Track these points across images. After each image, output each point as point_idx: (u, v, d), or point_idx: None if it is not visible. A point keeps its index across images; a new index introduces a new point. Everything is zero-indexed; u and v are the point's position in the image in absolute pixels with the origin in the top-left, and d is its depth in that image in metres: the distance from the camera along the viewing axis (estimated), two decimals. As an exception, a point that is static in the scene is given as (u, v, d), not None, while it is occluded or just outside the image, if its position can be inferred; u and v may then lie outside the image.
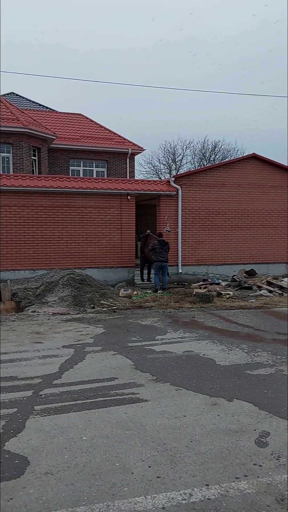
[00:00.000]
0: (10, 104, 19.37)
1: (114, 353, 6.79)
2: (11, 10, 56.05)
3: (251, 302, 11.76)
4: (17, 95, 24.04)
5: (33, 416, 4.44)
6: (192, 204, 15.65)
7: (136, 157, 23.01)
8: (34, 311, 10.82)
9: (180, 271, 15.43)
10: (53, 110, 24.20)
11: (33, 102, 24.26)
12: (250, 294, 12.92)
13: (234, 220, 16.19)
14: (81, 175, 20.74)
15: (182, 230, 15.46)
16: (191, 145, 47.03)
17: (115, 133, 22.17)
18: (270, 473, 3.38)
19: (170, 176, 31.01)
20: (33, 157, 18.78)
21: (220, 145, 40.01)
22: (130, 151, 21.54)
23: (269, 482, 3.26)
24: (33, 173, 18.43)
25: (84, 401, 4.83)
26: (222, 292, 12.76)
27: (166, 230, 15.15)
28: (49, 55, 56.80)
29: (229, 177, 16.04)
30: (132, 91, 63.84)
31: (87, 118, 23.05)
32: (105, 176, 21.05)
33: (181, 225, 15.44)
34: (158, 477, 3.33)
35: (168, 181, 15.59)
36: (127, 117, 52.82)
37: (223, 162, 18.57)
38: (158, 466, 3.48)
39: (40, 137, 18.72)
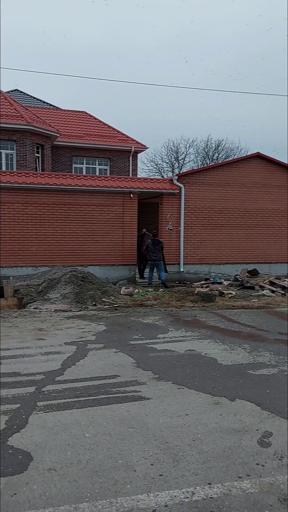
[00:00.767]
0: (14, 101, 19.36)
1: (116, 350, 6.80)
2: (13, 7, 55.97)
3: (254, 302, 11.76)
4: (21, 92, 24.03)
5: (36, 412, 4.45)
6: (195, 203, 15.64)
7: (139, 155, 22.99)
8: (37, 308, 10.84)
9: (182, 269, 15.43)
10: (57, 107, 24.19)
11: (37, 99, 24.25)
12: (252, 294, 12.92)
13: (237, 219, 16.18)
14: (84, 173, 20.75)
15: (184, 228, 15.46)
16: (194, 143, 47.12)
17: (118, 131, 22.16)
18: (272, 473, 3.38)
19: (173, 174, 31.01)
20: (36, 154, 18.77)
21: (224, 144, 40.00)
22: (133, 149, 21.52)
23: (271, 482, 3.26)
24: (36, 170, 18.43)
25: (87, 398, 4.84)
26: (224, 291, 12.76)
27: (168, 228, 15.17)
28: (52, 52, 56.71)
29: (233, 176, 16.03)
30: (136, 88, 63.77)
31: (90, 115, 23.03)
32: (108, 174, 21.03)
33: (184, 224, 15.44)
34: (160, 475, 3.34)
35: (171, 180, 15.59)
36: (131, 115, 52.76)
37: (226, 161, 18.56)
38: (161, 464, 3.49)
39: (44, 135, 18.72)
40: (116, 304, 11.15)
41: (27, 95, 24.20)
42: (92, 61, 57.31)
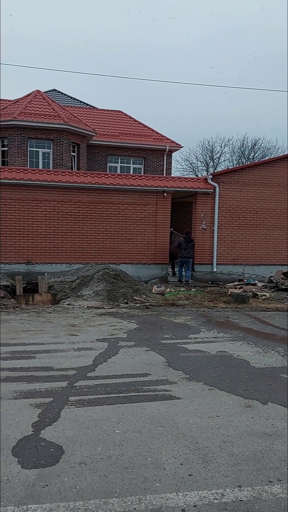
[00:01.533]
0: (52, 101, 19.74)
1: (147, 349, 6.83)
2: (54, 10, 57.00)
3: (288, 304, 11.51)
4: (58, 92, 24.47)
5: (68, 406, 4.53)
6: (230, 202, 15.46)
7: (173, 154, 22.95)
8: (70, 304, 11.02)
9: (215, 270, 15.29)
10: (93, 107, 24.48)
11: (74, 99, 24.62)
12: (287, 296, 12.65)
13: (272, 220, 15.87)
14: (119, 172, 20.91)
15: (218, 228, 15.31)
16: (230, 142, 46.40)
17: (153, 130, 22.19)
18: (304, 479, 3.31)
19: (207, 173, 30.74)
20: (72, 153, 19.08)
21: (260, 143, 39.29)
22: (167, 148, 21.51)
23: (303, 488, 3.19)
24: (72, 169, 18.73)
25: (117, 395, 4.89)
26: (258, 293, 12.55)
27: (202, 228, 15.07)
28: (90, 53, 57.40)
29: (269, 176, 15.73)
30: (174, 87, 63.61)
31: (126, 115, 23.17)
32: (142, 173, 21.12)
33: (218, 224, 15.30)
34: (190, 475, 3.33)
35: (206, 179, 15.47)
36: (165, 113, 52.68)
37: (262, 161, 18.23)
38: (190, 464, 3.48)
39: (80, 134, 18.99)
40: (148, 302, 11.18)
41: (65, 94, 24.61)
42: (128, 61, 57.61)
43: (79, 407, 4.54)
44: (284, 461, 3.56)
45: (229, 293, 12.36)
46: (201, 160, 38.98)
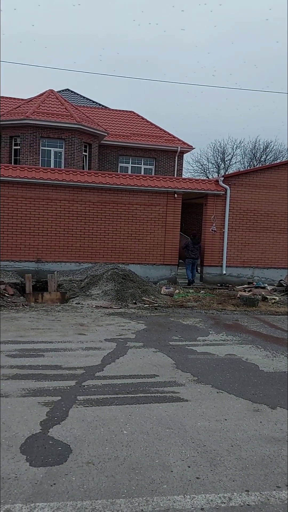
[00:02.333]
0: (65, 100, 19.82)
1: (155, 350, 6.82)
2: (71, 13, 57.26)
3: (297, 308, 11.42)
4: (71, 91, 24.57)
5: (76, 405, 4.54)
6: (240, 205, 15.39)
7: (184, 155, 22.92)
8: (78, 303, 11.05)
9: (224, 272, 15.23)
10: (105, 107, 24.54)
11: (87, 99, 24.71)
12: (296, 300, 12.55)
13: (283, 223, 15.77)
14: (129, 172, 20.94)
15: (228, 230, 15.25)
16: (242, 144, 46.19)
17: (165, 131, 22.18)
18: (313, 485, 3.28)
19: (218, 175, 30.65)
20: (84, 153, 19.14)
21: (272, 145, 39.07)
22: (179, 149, 21.49)
23: (312, 494, 3.17)
24: (83, 169, 18.79)
25: (125, 395, 4.89)
26: (268, 296, 12.49)
27: (212, 230, 15.02)
28: (103, 52, 57.56)
29: (280, 178, 15.63)
30: (188, 88, 63.54)
31: (138, 115, 23.20)
32: (153, 174, 21.12)
33: (228, 226, 15.23)
34: (197, 478, 3.32)
35: (217, 181, 15.42)
36: (178, 114, 52.64)
37: (274, 163, 18.11)
38: (198, 467, 3.47)
39: (92, 134, 19.04)
40: (156, 303, 11.18)
41: (78, 94, 24.71)
42: (142, 62, 57.67)
43: (87, 406, 4.55)
44: (292, 467, 3.54)
45: (238, 295, 12.30)
46: (212, 161, 38.89)
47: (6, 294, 11.04)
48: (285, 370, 6.12)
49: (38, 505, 2.91)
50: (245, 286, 14.29)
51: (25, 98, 20.86)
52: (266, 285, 14.30)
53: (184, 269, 15.77)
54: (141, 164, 21.53)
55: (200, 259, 15.40)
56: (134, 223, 14.67)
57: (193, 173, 38.29)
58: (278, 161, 29.20)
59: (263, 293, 12.85)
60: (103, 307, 10.55)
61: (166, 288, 13.07)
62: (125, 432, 4.01)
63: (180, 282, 14.83)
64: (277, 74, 52.56)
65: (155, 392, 5.04)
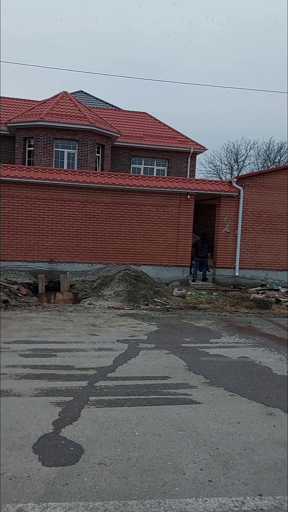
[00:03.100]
0: (79, 102, 19.92)
1: (167, 352, 6.80)
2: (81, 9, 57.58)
3: (311, 311, 11.30)
4: (85, 93, 24.68)
5: (88, 406, 4.55)
6: (254, 206, 15.28)
7: (197, 156, 22.85)
8: (91, 304, 11.08)
9: (237, 274, 15.14)
10: (118, 108, 24.59)
11: (100, 100, 24.79)
12: (309, 303, 12.41)
13: (297, 225, 15.62)
14: (142, 173, 20.94)
15: (242, 232, 15.15)
16: (256, 145, 45.89)
17: (177, 132, 22.15)
18: None
19: (232, 176, 30.49)
20: (97, 154, 19.20)
21: (287, 146, 38.73)
22: (192, 150, 21.43)
23: None
24: (96, 170, 18.86)
25: (137, 397, 4.88)
26: (281, 299, 12.37)
27: (225, 231, 14.94)
28: (117, 53, 57.77)
29: (294, 180, 15.48)
30: (203, 90, 63.39)
31: (151, 116, 23.20)
32: (165, 175, 21.09)
33: (241, 227, 15.13)
34: (210, 481, 3.30)
35: (230, 182, 15.33)
36: (191, 115, 52.55)
37: (288, 165, 17.94)
38: (210, 470, 3.45)
39: (105, 135, 19.10)
40: (168, 305, 11.15)
41: (91, 96, 24.81)
42: (155, 64, 57.74)
43: (99, 407, 4.55)
44: (306, 472, 3.49)
45: (251, 298, 12.21)
46: (225, 163, 38.71)
47: (19, 294, 11.12)
48: (299, 373, 6.05)
49: (51, 505, 2.91)
50: (258, 288, 14.19)
51: (39, 100, 21.02)
52: (280, 287, 14.17)
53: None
54: (153, 165, 21.53)
55: (213, 260, 15.43)
56: (146, 224, 14.66)
57: (206, 174, 38.20)
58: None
59: (276, 295, 12.73)
60: (115, 308, 10.56)
61: (178, 290, 13.03)
62: (137, 433, 4.00)
63: (192, 284, 14.79)
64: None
65: (167, 394, 5.02)
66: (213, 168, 38.84)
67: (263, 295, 12.63)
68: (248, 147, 46.24)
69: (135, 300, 11.35)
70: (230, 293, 13.69)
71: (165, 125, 22.64)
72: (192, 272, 15.63)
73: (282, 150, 36.75)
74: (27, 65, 60.10)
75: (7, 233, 13.84)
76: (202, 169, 40.32)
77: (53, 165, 18.21)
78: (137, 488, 3.16)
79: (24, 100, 22.24)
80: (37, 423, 4.09)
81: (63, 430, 3.98)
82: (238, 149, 38.48)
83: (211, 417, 4.44)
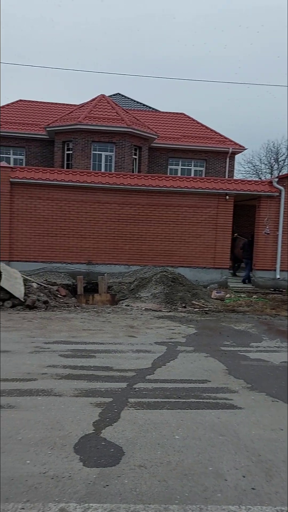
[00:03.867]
0: (116, 104, 20.10)
1: (206, 355, 6.71)
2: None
3: None
4: (122, 95, 24.88)
5: (127, 408, 4.55)
6: (295, 207, 14.88)
7: (236, 156, 22.53)
8: (128, 305, 11.12)
9: (278, 276, 14.77)
10: (156, 109, 24.64)
11: (137, 102, 24.92)
12: None
13: None
14: (179, 174, 20.86)
15: (283, 233, 14.78)
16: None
17: (216, 132, 21.92)
18: None
19: (272, 176, 29.83)
20: (134, 156, 19.30)
21: None
22: (230, 150, 21.15)
23: None
24: (133, 172, 18.95)
25: (177, 400, 4.84)
26: None
27: (265, 233, 14.63)
28: (151, 57, 57.96)
29: None
30: (241, 89, 62.61)
31: (188, 117, 23.09)
32: (203, 175, 20.91)
33: (282, 228, 14.77)
34: (253, 488, 3.21)
35: (271, 182, 15.00)
36: (234, 115, 51.92)
37: None
38: (253, 477, 3.35)
39: (142, 137, 19.17)
40: (207, 307, 11.02)
41: (128, 98, 24.98)
42: (193, 64, 57.52)
43: (138, 409, 4.54)
44: None
45: (292, 301, 11.88)
46: (265, 162, 37.94)
47: (58, 295, 11.32)
48: None
49: (92, 506, 2.92)
50: (299, 291, 13.79)
51: (78, 103, 21.37)
52: None
53: (240, 272, 16.75)
54: (191, 166, 21.40)
55: (250, 262, 15.24)
56: (183, 225, 14.58)
57: (244, 175, 37.59)
58: None
59: None
60: (153, 310, 10.55)
61: (216, 292, 12.87)
62: (177, 437, 3.96)
63: (231, 286, 14.56)
64: None
65: (207, 398, 4.95)
66: (252, 168, 38.21)
67: (305, 298, 12.26)
68: (289, 146, 45.11)
69: (172, 302, 11.30)
70: (270, 296, 13.39)
71: (202, 125, 22.48)
72: (233, 273, 16.25)
73: None
74: (68, 69, 61.29)
75: (47, 235, 14.14)
76: (241, 169, 39.66)
77: (91, 168, 18.45)
78: (178, 492, 3.12)
79: (63, 104, 22.69)
80: (77, 423, 4.13)
81: (103, 431, 3.99)
82: (279, 148, 37.61)
83: (253, 422, 4.33)
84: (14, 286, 10.10)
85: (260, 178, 35.20)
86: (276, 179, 14.94)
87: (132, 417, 4.33)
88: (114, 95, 24.30)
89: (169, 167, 21.30)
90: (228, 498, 3.07)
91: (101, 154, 18.78)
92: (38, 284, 11.34)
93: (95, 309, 10.42)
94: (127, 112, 20.10)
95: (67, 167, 19.02)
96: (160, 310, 10.57)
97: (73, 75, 72.37)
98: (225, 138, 21.71)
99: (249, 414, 4.53)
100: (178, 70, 57.09)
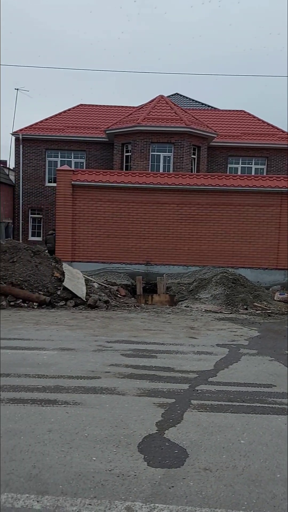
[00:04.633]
0: (175, 104, 20.09)
1: (271, 359, 6.51)
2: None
3: None
4: (181, 95, 24.83)
5: (190, 410, 4.51)
6: None
7: (299, 153, 21.67)
8: (187, 306, 11.06)
9: None
10: (215, 108, 24.34)
11: (196, 101, 24.76)
12: None
13: None
14: (239, 173, 20.45)
15: None
16: None
17: (278, 129, 21.25)
18: None
19: None
20: (192, 156, 19.18)
21: None
22: (293, 147, 20.40)
23: None
24: (192, 172, 18.83)
25: (241, 403, 4.73)
26: None
27: None
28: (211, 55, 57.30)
29: None
30: (297, 83, 60.28)
31: (249, 114, 22.58)
32: (265, 174, 20.34)
33: None
34: None
35: None
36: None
37: None
38: None
39: (201, 136, 19.00)
40: (269, 310, 10.70)
41: (187, 97, 24.88)
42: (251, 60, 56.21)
43: (202, 411, 4.48)
44: None
45: None
46: None
47: (118, 295, 11.51)
48: None
49: (158, 506, 2.92)
50: None
51: (136, 105, 21.62)
52: None
53: None
54: (251, 164, 20.90)
55: None
56: (244, 225, 14.27)
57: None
58: None
59: None
60: (213, 311, 10.42)
61: (280, 294, 12.46)
62: (242, 441, 3.87)
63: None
64: None
65: (272, 402, 4.79)
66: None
67: None
68: None
69: (233, 304, 11.09)
70: None
71: (264, 122, 21.89)
72: None
73: None
74: (127, 71, 62.23)
75: (107, 236, 14.42)
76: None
77: (149, 169, 18.58)
78: (245, 498, 3.04)
79: (122, 107, 23.05)
80: (141, 422, 4.15)
81: (166, 432, 3.99)
82: None
83: None
84: (76, 286, 10.40)
85: None
86: None
87: (195, 419, 4.29)
88: (172, 95, 24.32)
89: (229, 165, 20.94)
90: (299, 509, 2.94)
91: (159, 154, 18.85)
92: (99, 284, 11.59)
93: (154, 310, 10.47)
94: (186, 112, 20.02)
95: (126, 169, 19.29)
96: (220, 312, 10.42)
97: (135, 77, 73.34)
98: (288, 134, 20.99)
99: None
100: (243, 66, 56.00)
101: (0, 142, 52.95)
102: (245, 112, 22.81)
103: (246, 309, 10.79)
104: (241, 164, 20.93)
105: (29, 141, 20.97)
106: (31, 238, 21.21)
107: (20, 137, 20.87)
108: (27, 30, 61.86)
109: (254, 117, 22.31)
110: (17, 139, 21.13)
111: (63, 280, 10.43)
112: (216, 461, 3.51)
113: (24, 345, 6.77)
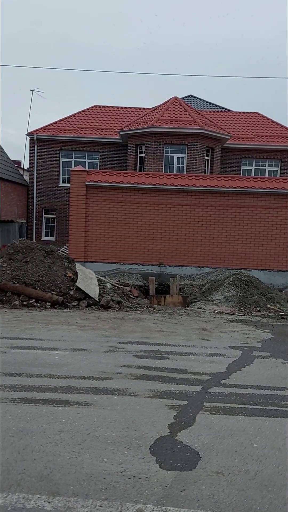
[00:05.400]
0: (189, 106, 20.06)
1: (284, 362, 6.43)
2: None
3: None
4: (194, 97, 24.79)
5: (202, 412, 4.47)
6: None
7: (313, 155, 21.45)
8: (200, 308, 11.00)
9: None
10: (229, 110, 24.23)
11: (210, 103, 24.69)
12: None
13: None
14: (253, 175, 20.31)
15: None
16: None
17: (292, 130, 21.07)
18: None
19: None
20: (206, 157, 19.11)
21: None
22: (307, 149, 20.20)
23: None
24: (205, 173, 18.77)
25: (254, 406, 4.68)
26: None
27: None
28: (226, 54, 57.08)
29: None
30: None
31: (263, 116, 22.43)
32: (278, 175, 20.17)
33: None
34: None
35: None
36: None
37: None
38: None
39: (215, 137, 18.93)
40: (283, 312, 10.59)
41: (200, 99, 24.82)
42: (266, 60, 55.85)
43: (214, 414, 4.44)
44: None
45: None
46: None
47: (131, 296, 11.50)
48: None
49: (169, 509, 2.89)
50: None
51: (151, 107, 21.63)
52: None
53: None
54: (265, 166, 20.75)
55: None
56: (257, 227, 14.17)
57: None
58: None
59: None
60: (226, 313, 10.34)
61: (293, 296, 12.32)
62: (255, 445, 3.82)
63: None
64: None
65: (285, 406, 4.73)
66: None
67: None
68: None
69: (246, 306, 11.01)
70: None
71: (278, 124, 21.73)
72: None
73: None
74: (142, 73, 62.33)
75: (120, 237, 14.43)
76: None
77: (163, 170, 18.57)
78: (258, 503, 3.00)
79: (136, 108, 23.09)
80: (153, 424, 4.13)
81: (178, 434, 3.96)
82: None
83: None
84: (89, 286, 10.43)
85: None
86: None
87: (207, 422, 4.25)
88: (186, 97, 24.28)
89: (242, 167, 20.82)
90: (313, 516, 2.89)
91: (173, 156, 18.83)
92: (112, 284, 11.60)
93: (167, 311, 10.44)
94: (200, 114, 19.96)
95: (140, 170, 19.31)
96: (233, 314, 10.34)
97: (149, 78, 73.47)
98: (303, 135, 20.79)
99: None
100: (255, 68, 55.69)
101: (0, 141, 53.26)
102: (258, 114, 22.67)
103: (259, 311, 10.69)
104: (255, 166, 20.79)
105: (43, 142, 21.13)
106: (44, 238, 21.37)
107: (35, 137, 21.05)
108: (52, 40, 62.52)
109: (268, 119, 22.16)
110: (31, 140, 21.31)
111: (76, 280, 10.46)
112: (228, 465, 3.48)
113: (36, 345, 6.80)
